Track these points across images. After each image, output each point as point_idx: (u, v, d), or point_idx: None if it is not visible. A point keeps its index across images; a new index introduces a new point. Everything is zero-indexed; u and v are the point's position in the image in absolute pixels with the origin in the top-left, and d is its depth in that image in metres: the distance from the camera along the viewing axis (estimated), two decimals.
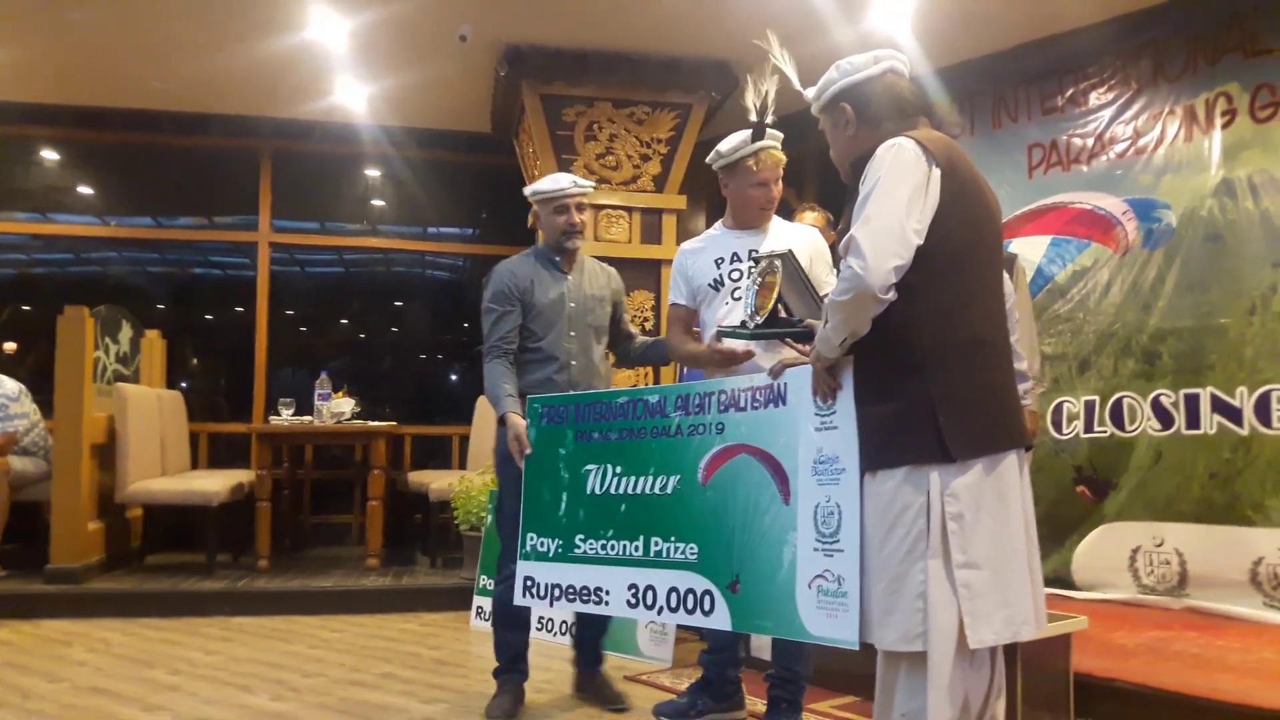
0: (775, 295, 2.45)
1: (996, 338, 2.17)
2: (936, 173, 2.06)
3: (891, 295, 2.01)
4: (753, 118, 2.89)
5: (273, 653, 4.15)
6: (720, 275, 3.06)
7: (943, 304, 2.07)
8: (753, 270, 2.63)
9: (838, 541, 2.20)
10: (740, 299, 2.95)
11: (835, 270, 4.34)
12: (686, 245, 3.25)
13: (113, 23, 4.99)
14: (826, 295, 4.20)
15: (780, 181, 3.06)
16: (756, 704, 3.27)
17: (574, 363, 3.34)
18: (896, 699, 2.09)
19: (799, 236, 3.07)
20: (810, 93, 2.32)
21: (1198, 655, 3.39)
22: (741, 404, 2.51)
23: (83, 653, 4.13)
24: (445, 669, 3.90)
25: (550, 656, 3.88)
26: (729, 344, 2.82)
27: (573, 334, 3.38)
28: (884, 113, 2.20)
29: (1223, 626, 3.87)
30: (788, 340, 2.50)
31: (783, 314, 2.47)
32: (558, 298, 3.38)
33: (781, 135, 3.00)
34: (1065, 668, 3.02)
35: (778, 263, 2.47)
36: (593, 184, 3.50)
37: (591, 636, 3.53)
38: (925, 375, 2.05)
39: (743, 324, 2.60)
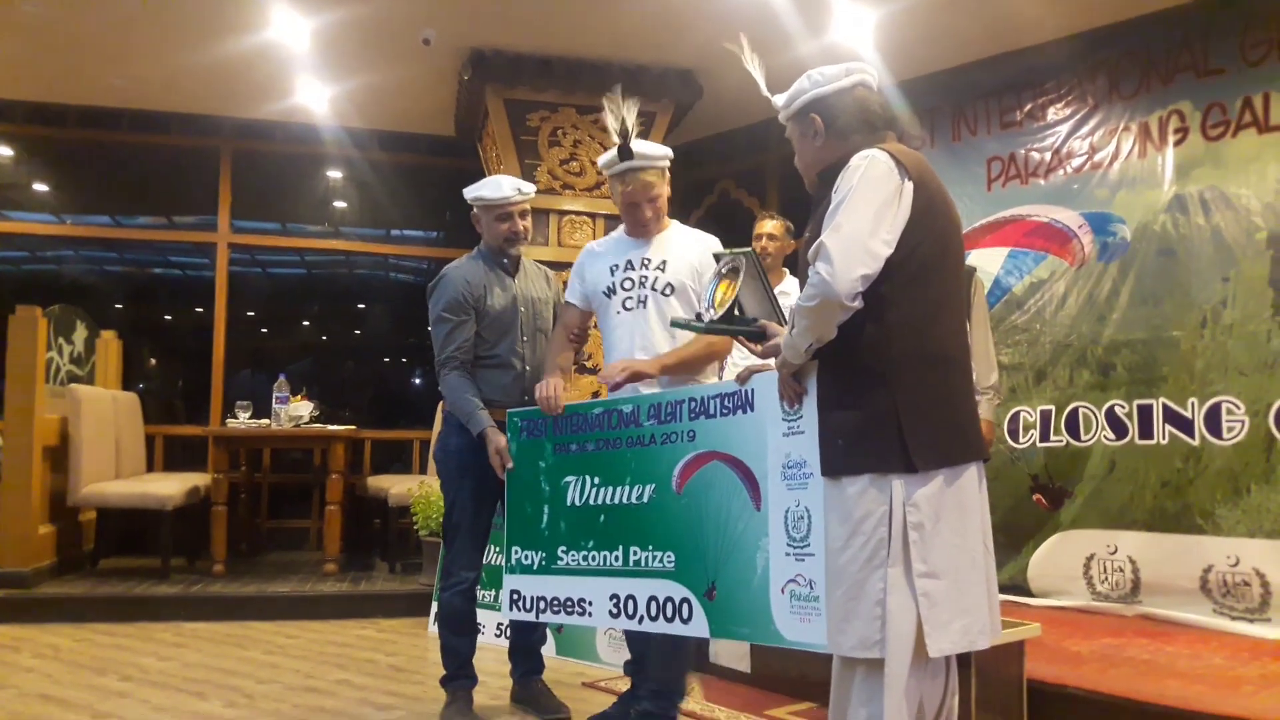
0: (733, 293, 2.44)
1: (959, 352, 2.20)
2: (909, 186, 2.08)
3: (858, 303, 2.03)
4: (615, 139, 2.93)
5: (227, 659, 4.10)
6: (613, 283, 3.06)
7: (910, 316, 2.09)
8: (718, 266, 2.62)
9: (808, 545, 2.23)
10: (631, 310, 2.99)
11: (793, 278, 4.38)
12: (591, 245, 3.26)
13: (70, 18, 4.92)
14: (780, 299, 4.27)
15: (658, 199, 3.01)
16: (715, 710, 3.28)
17: (528, 368, 3.32)
18: (852, 705, 2.10)
19: (692, 242, 3.05)
20: (779, 100, 2.32)
21: (1148, 661, 3.44)
22: (711, 411, 2.53)
23: (30, 659, 4.05)
24: (401, 675, 3.88)
25: (506, 663, 3.86)
26: (622, 367, 2.86)
27: (525, 339, 3.36)
28: (852, 125, 2.22)
29: (1173, 633, 3.94)
30: (740, 338, 2.50)
31: (737, 312, 2.47)
32: (510, 303, 3.35)
33: (660, 152, 2.99)
34: (1018, 674, 3.06)
35: (743, 259, 2.48)
36: (534, 188, 3.46)
37: (526, 643, 3.50)
38: (891, 385, 2.08)
39: (698, 316, 2.60)
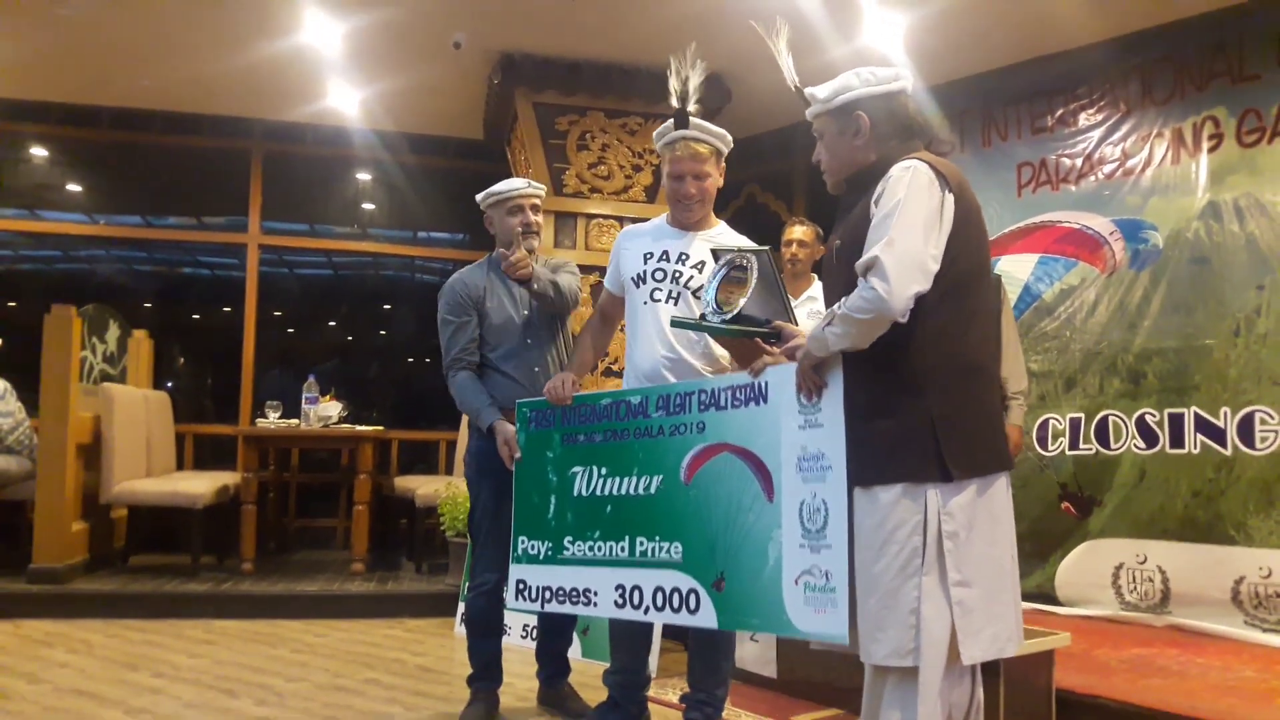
0: (748, 292, 2.43)
1: (990, 362, 2.22)
2: (950, 198, 2.10)
3: (905, 318, 2.05)
4: (674, 103, 2.84)
5: (257, 657, 4.14)
6: (644, 271, 2.98)
7: (947, 326, 2.10)
8: (720, 263, 2.58)
9: (825, 538, 2.21)
10: (659, 303, 2.92)
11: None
12: (630, 227, 3.21)
13: (105, 20, 4.98)
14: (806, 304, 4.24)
15: (706, 179, 2.92)
16: (741, 715, 3.28)
17: (536, 369, 3.29)
18: (884, 712, 2.11)
19: (739, 244, 2.93)
20: (821, 92, 2.27)
21: (1179, 673, 3.41)
22: (722, 403, 2.52)
23: (64, 654, 4.11)
24: (429, 676, 3.90)
25: (534, 664, 3.87)
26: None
27: (529, 341, 3.33)
28: (892, 131, 2.23)
29: (1204, 644, 3.90)
30: (758, 340, 2.46)
31: (749, 312, 2.43)
32: (512, 306, 3.35)
33: (717, 131, 2.92)
34: (1048, 684, 3.04)
35: (752, 259, 2.45)
36: (544, 187, 3.44)
37: (555, 647, 3.51)
38: (926, 395, 2.08)
39: (702, 316, 2.56)
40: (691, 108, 2.90)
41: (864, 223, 2.14)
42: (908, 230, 2.03)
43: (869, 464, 2.13)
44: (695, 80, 2.90)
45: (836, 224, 2.35)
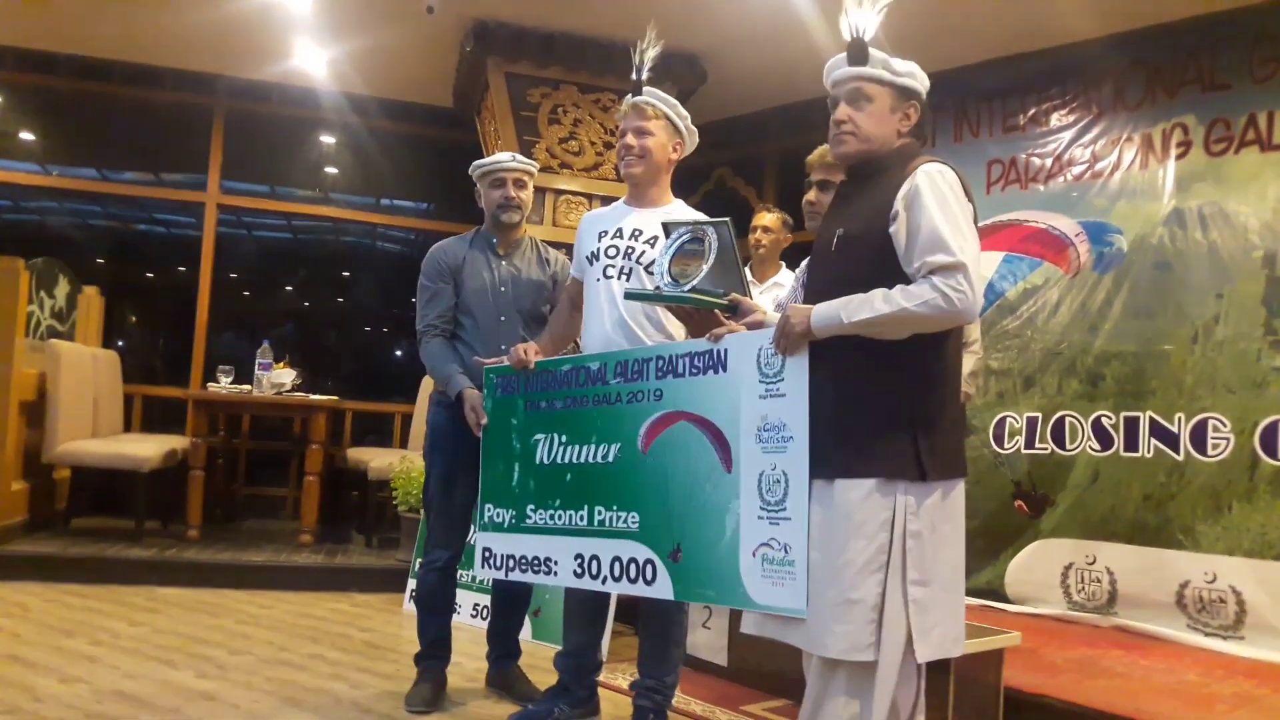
0: (708, 263, 2.39)
1: (960, 368, 2.24)
2: (970, 209, 2.13)
3: None
4: (633, 77, 2.89)
5: (199, 627, 4.06)
6: (598, 249, 2.96)
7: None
8: (676, 234, 2.54)
9: (784, 509, 2.18)
10: (611, 279, 2.91)
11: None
12: (591, 211, 3.21)
13: None
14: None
15: (646, 136, 2.88)
16: (690, 703, 3.27)
17: (504, 347, 3.20)
18: (832, 706, 2.10)
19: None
20: (896, 63, 2.21)
21: (1124, 674, 3.46)
22: (680, 370, 2.47)
23: None
24: (374, 652, 3.85)
25: (484, 644, 3.84)
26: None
27: (503, 319, 3.30)
28: (918, 130, 2.26)
29: (1148, 646, 3.95)
30: (716, 312, 2.42)
31: (706, 285, 2.39)
32: (490, 280, 3.32)
33: (668, 99, 2.93)
34: (996, 682, 3.06)
35: (711, 231, 2.41)
36: (531, 162, 3.42)
37: (507, 627, 3.48)
38: (907, 394, 2.09)
39: (657, 289, 2.52)
40: (645, 77, 2.87)
41: (879, 216, 2.12)
42: (970, 238, 2.06)
43: (842, 456, 2.11)
44: (651, 54, 2.89)
45: (836, 211, 2.31)
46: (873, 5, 2.24)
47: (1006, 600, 4.68)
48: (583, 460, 2.69)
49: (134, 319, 7.06)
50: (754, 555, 2.23)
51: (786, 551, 2.16)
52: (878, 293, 2.05)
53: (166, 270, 7.18)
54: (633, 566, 2.52)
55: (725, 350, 2.35)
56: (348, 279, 7.57)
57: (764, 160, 6.52)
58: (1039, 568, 4.64)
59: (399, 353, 7.55)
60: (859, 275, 2.11)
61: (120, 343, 6.70)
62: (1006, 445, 4.86)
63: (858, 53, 2.22)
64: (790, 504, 2.17)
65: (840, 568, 2.06)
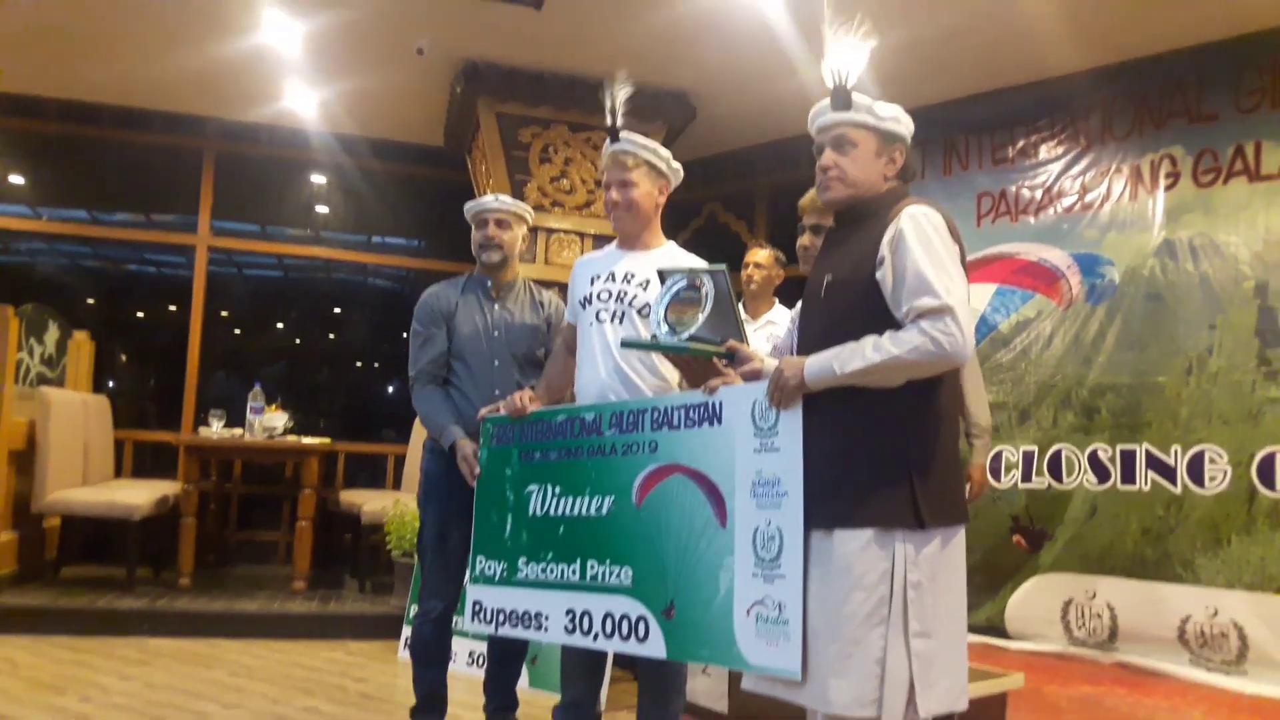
0: (705, 311, 2.36)
1: (957, 411, 2.20)
2: (956, 250, 2.11)
3: None
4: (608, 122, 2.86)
5: (192, 680, 4.00)
6: (590, 293, 2.93)
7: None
8: (671, 282, 2.52)
9: (779, 567, 2.13)
10: (603, 323, 2.87)
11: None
12: (584, 255, 3.18)
13: (56, 10, 4.80)
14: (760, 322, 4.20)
15: (630, 188, 2.85)
16: None
17: (497, 393, 3.20)
18: None
19: (687, 264, 2.85)
20: (880, 108, 2.20)
21: (1128, 714, 3.43)
22: (675, 422, 2.43)
23: None
24: (370, 704, 3.79)
25: (480, 695, 3.78)
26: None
27: (497, 363, 3.27)
28: (904, 172, 2.25)
29: (1151, 684, 3.92)
30: (714, 360, 2.38)
31: (703, 333, 2.36)
32: (482, 324, 3.29)
33: (645, 143, 2.88)
34: None
35: (707, 279, 2.39)
36: (519, 204, 3.38)
37: (504, 677, 3.43)
38: (902, 442, 2.06)
39: (653, 336, 2.49)
40: (620, 121, 2.86)
41: (866, 261, 2.10)
42: (957, 278, 2.04)
43: (838, 506, 2.07)
44: (622, 95, 2.86)
45: (825, 257, 2.29)
46: (854, 50, 2.23)
47: (1006, 636, 4.64)
48: (576, 513, 2.64)
49: (123, 357, 7.01)
50: (748, 614, 2.18)
51: (780, 610, 2.11)
52: (868, 341, 2.03)
53: (157, 310, 7.15)
54: (625, 623, 2.47)
55: (720, 403, 2.32)
56: (339, 315, 7.55)
57: (754, 195, 6.53)
58: (1039, 603, 4.61)
59: (390, 389, 7.52)
60: (849, 321, 2.10)
61: (111, 383, 6.66)
62: (1003, 480, 4.84)
63: (841, 98, 2.21)
64: (785, 561, 2.12)
65: (841, 621, 2.03)
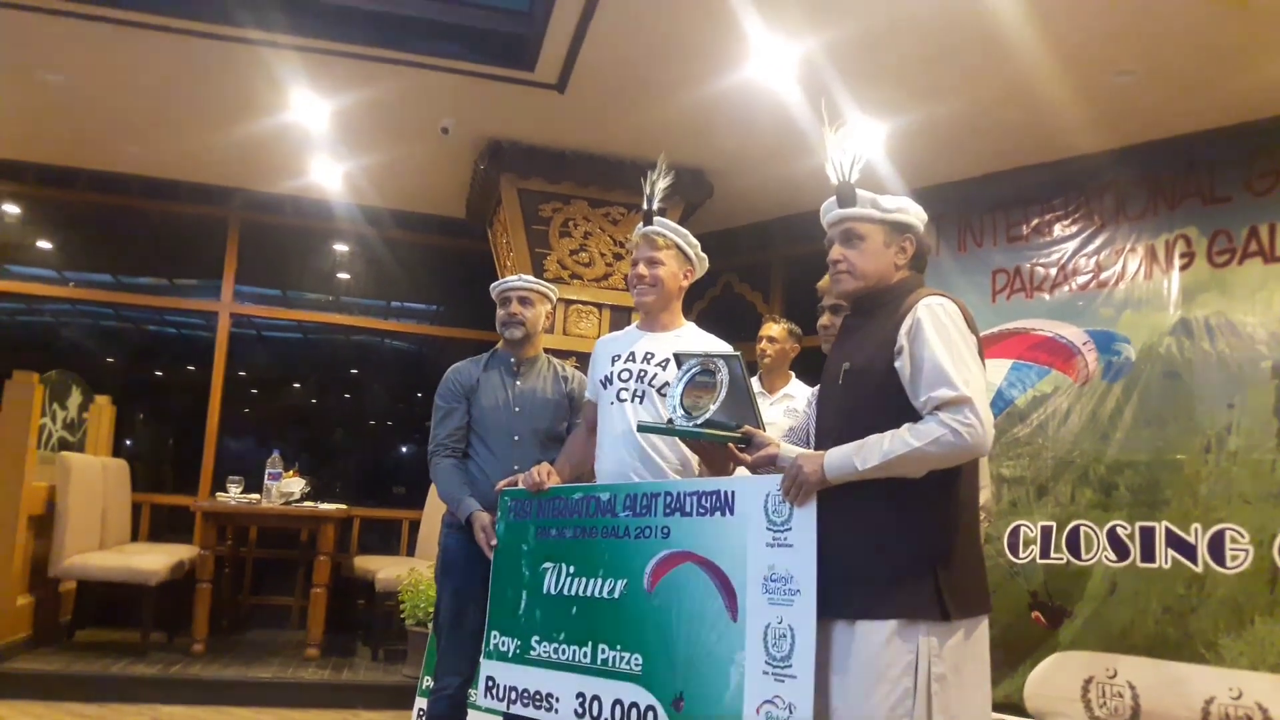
0: (720, 396, 2.38)
1: (976, 498, 2.20)
2: (973, 340, 2.14)
3: None
4: (644, 207, 2.96)
5: None
6: (611, 373, 2.96)
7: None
8: (686, 367, 2.56)
9: (790, 666, 2.11)
10: (624, 403, 2.91)
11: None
12: (605, 335, 3.22)
13: (91, 88, 4.95)
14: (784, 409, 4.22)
15: (658, 266, 2.91)
16: None
17: (516, 468, 3.18)
18: None
19: (705, 347, 2.88)
20: (885, 201, 2.25)
21: None
22: (687, 508, 2.42)
23: None
24: None
25: None
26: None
27: (516, 438, 3.30)
28: (917, 261, 2.29)
29: None
30: (731, 445, 2.40)
31: (718, 418, 2.37)
32: (504, 399, 3.33)
33: (677, 229, 2.96)
34: None
35: (722, 364, 2.42)
36: (542, 284, 3.45)
37: None
38: (924, 532, 2.07)
39: (670, 421, 2.51)
40: (656, 205, 2.95)
41: (882, 350, 2.13)
42: (974, 367, 2.07)
43: (862, 597, 2.08)
44: (661, 184, 2.95)
45: (842, 343, 2.33)
46: (856, 146, 2.28)
47: (1025, 715, 4.57)
48: (589, 594, 2.62)
49: (141, 416, 7.07)
50: (758, 712, 2.15)
51: (791, 711, 2.09)
52: (888, 435, 2.04)
53: (178, 371, 7.23)
54: (634, 711, 2.44)
55: (732, 492, 2.32)
56: (356, 377, 7.61)
57: (770, 266, 6.61)
58: (1059, 681, 4.55)
59: (405, 450, 7.55)
60: (866, 408, 2.12)
61: (129, 442, 6.71)
62: (1021, 555, 4.81)
63: (845, 195, 2.27)
64: (796, 661, 2.10)
65: (865, 715, 2.02)
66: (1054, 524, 4.72)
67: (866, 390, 2.16)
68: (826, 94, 2.43)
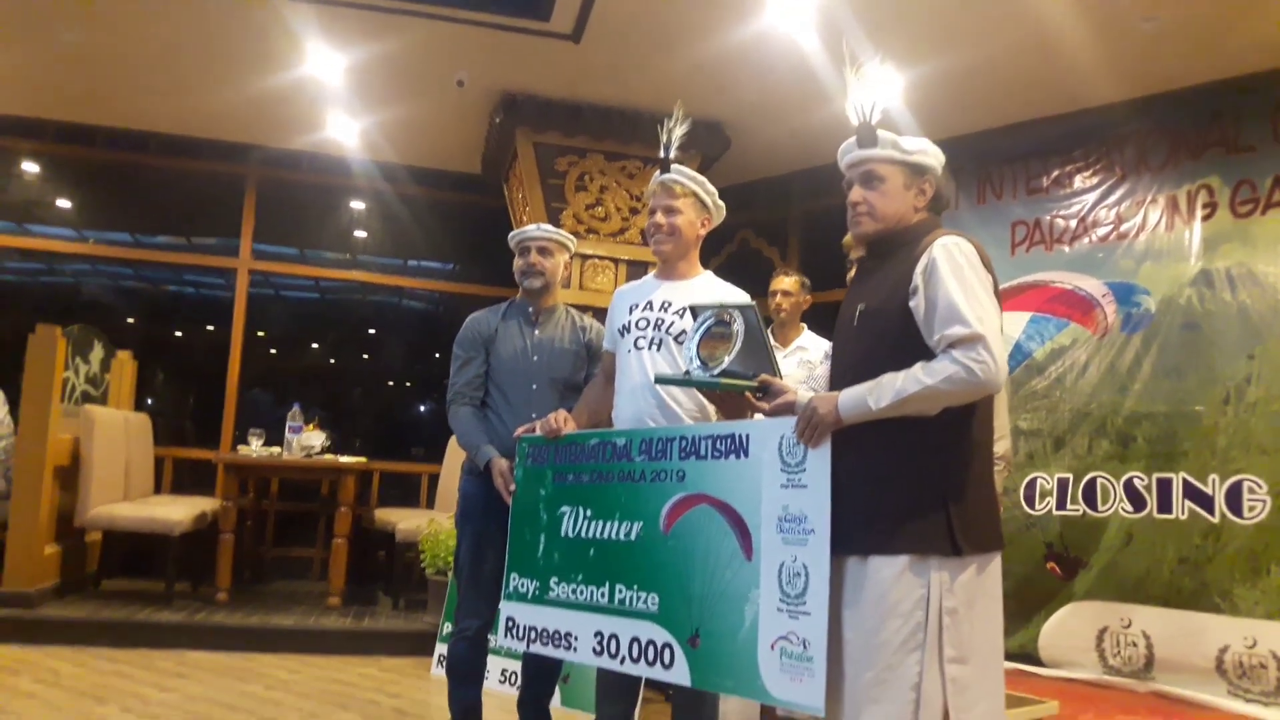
0: (735, 347, 2.39)
1: (990, 438, 2.20)
2: (989, 279, 2.14)
3: None
4: (661, 155, 2.95)
5: (229, 692, 4.06)
6: (628, 322, 2.98)
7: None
8: (702, 318, 2.57)
9: (804, 604, 2.14)
10: (641, 350, 2.92)
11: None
12: (623, 285, 3.21)
13: (108, 47, 4.97)
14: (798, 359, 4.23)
15: (675, 215, 2.91)
16: None
17: (534, 415, 3.18)
18: None
19: (722, 295, 2.88)
20: (905, 142, 2.23)
21: None
22: (702, 452, 2.45)
23: (31, 683, 4.01)
24: (405, 719, 3.83)
25: (513, 712, 3.81)
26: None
27: (534, 387, 3.31)
28: (935, 202, 2.28)
29: (1188, 713, 3.89)
30: (747, 394, 2.40)
31: (734, 368, 2.38)
32: (521, 349, 3.34)
33: (694, 177, 2.94)
34: None
35: (737, 314, 2.42)
36: (561, 233, 3.44)
37: (534, 696, 3.44)
38: (937, 469, 2.07)
39: (687, 373, 2.52)
40: (673, 154, 2.93)
41: (898, 291, 2.13)
42: (989, 306, 2.07)
43: (873, 533, 2.09)
44: (678, 131, 2.94)
45: (857, 286, 2.32)
46: (878, 87, 2.27)
47: (1040, 663, 4.61)
48: (606, 536, 2.67)
49: (162, 376, 7.14)
50: (772, 648, 2.19)
51: (805, 647, 2.12)
52: (901, 374, 2.05)
53: (197, 330, 7.29)
54: (651, 649, 2.49)
55: (747, 435, 2.35)
56: (374, 336, 7.66)
57: (787, 222, 6.58)
58: (1073, 631, 4.58)
59: (423, 409, 7.60)
60: (882, 349, 2.12)
61: (150, 400, 6.78)
62: (1038, 506, 4.83)
63: (866, 135, 2.25)
64: (810, 598, 2.13)
65: (876, 647, 2.04)
66: (1071, 476, 4.74)
67: (882, 331, 2.16)
68: (845, 42, 2.39)
